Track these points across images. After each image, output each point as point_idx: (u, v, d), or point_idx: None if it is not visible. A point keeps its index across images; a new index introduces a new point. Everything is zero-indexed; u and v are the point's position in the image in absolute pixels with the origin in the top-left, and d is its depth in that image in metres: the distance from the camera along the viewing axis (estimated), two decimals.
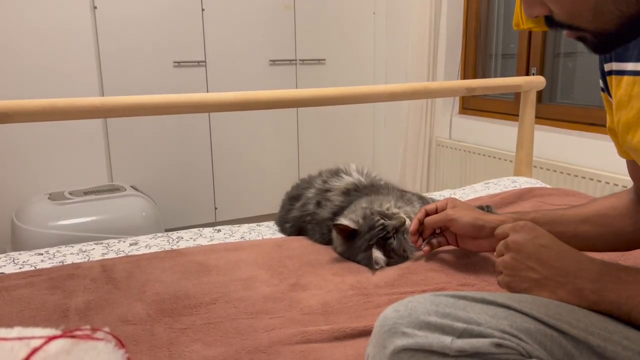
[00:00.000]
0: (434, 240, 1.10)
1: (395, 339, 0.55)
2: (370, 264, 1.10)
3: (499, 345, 0.54)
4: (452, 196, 1.72)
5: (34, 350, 0.44)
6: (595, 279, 0.64)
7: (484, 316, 0.57)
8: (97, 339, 0.48)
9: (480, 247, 1.03)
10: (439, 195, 1.73)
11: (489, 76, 3.01)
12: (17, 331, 0.47)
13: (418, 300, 0.59)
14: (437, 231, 1.10)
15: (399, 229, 1.12)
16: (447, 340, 0.54)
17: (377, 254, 1.09)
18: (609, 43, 0.60)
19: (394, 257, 1.11)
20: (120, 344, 0.50)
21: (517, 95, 2.70)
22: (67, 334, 0.47)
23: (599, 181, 2.13)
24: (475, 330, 0.55)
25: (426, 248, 1.09)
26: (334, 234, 1.19)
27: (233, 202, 3.18)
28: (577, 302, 0.64)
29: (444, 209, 1.05)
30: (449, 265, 1.11)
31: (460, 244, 1.06)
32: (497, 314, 0.58)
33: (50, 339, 0.46)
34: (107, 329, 0.50)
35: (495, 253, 0.78)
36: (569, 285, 0.65)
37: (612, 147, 2.34)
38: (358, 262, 1.13)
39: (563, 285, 0.66)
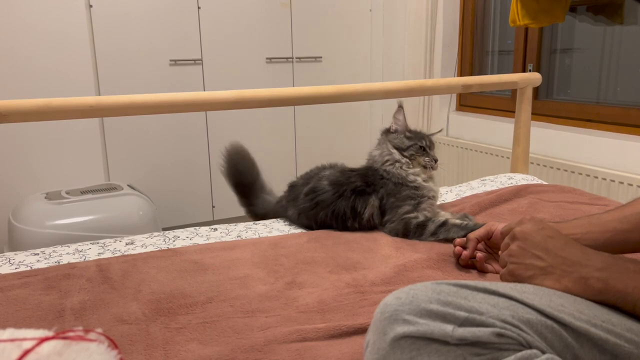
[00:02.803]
0: (480, 254, 1.06)
1: (396, 326, 0.55)
2: None
3: (500, 335, 0.54)
4: (449, 193, 1.72)
5: (26, 352, 0.44)
6: (602, 268, 0.65)
7: (486, 305, 0.57)
8: (90, 340, 0.48)
9: None
10: None
11: (485, 73, 3.01)
12: (9, 333, 0.47)
13: (420, 288, 0.59)
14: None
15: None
16: (448, 329, 0.54)
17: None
18: None
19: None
20: (114, 344, 0.50)
21: (514, 92, 2.70)
22: (59, 335, 0.47)
23: (596, 177, 2.13)
24: (477, 320, 0.55)
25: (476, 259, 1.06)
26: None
27: (231, 200, 3.16)
28: (582, 291, 0.64)
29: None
30: (445, 263, 1.11)
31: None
32: (498, 304, 0.58)
33: (42, 340, 0.45)
34: (100, 330, 0.50)
35: (500, 250, 0.77)
36: (575, 273, 0.65)
37: (609, 143, 2.32)
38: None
39: (568, 273, 0.66)
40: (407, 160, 1.39)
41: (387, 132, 1.47)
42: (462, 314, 0.55)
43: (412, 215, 1.29)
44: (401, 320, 0.55)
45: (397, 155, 1.39)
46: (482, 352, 0.53)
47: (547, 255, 0.68)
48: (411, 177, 1.37)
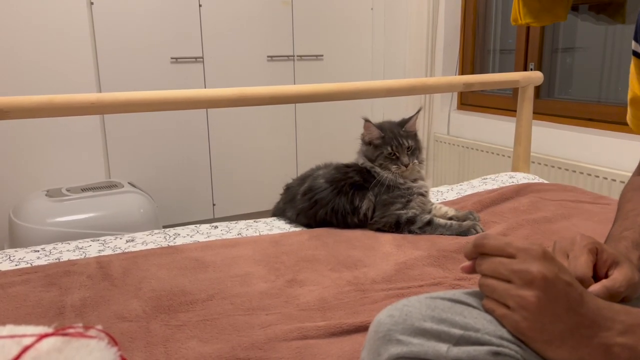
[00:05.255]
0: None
1: (390, 347, 0.53)
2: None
3: (496, 354, 0.52)
4: (450, 191, 1.71)
5: (26, 349, 0.43)
6: (625, 331, 0.53)
7: (482, 321, 0.55)
8: (90, 336, 0.48)
9: None
10: (436, 191, 1.73)
11: (486, 72, 3.00)
12: (8, 329, 0.46)
13: (413, 304, 0.57)
14: None
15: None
16: (442, 349, 0.52)
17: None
18: None
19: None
20: (114, 341, 0.50)
21: (515, 91, 2.69)
22: (59, 332, 0.47)
23: (597, 177, 2.13)
24: (473, 337, 0.53)
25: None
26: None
27: (231, 198, 3.18)
28: None
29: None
30: (446, 260, 1.11)
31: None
32: (495, 320, 0.56)
33: (42, 337, 0.45)
34: (100, 327, 0.50)
35: (480, 268, 0.59)
36: (595, 339, 0.53)
37: (611, 142, 2.32)
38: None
39: (586, 339, 0.53)
40: (380, 168, 1.38)
41: (363, 140, 1.45)
42: (457, 331, 0.53)
43: (402, 212, 1.33)
44: (395, 341, 0.53)
45: (371, 164, 1.39)
46: None
47: (567, 315, 0.53)
48: (401, 180, 1.38)
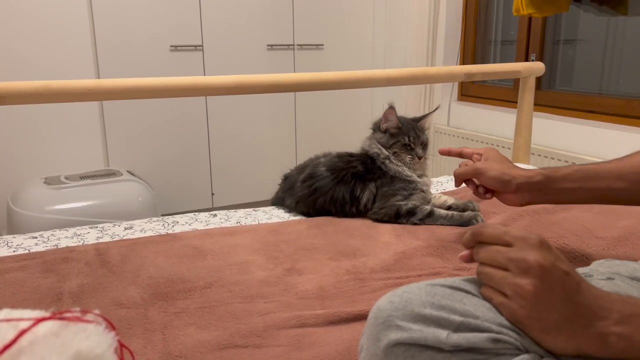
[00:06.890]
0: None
1: (389, 333, 0.54)
2: None
3: (495, 341, 0.53)
4: (450, 182, 1.71)
5: (22, 332, 0.43)
6: (621, 321, 0.53)
7: (482, 308, 0.55)
8: (87, 321, 0.47)
9: (507, 201, 1.00)
10: (436, 182, 1.72)
11: (488, 63, 2.99)
12: (4, 313, 0.46)
13: (413, 290, 0.57)
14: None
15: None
16: (442, 335, 0.52)
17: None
18: None
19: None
20: (111, 326, 0.49)
21: (516, 82, 2.68)
22: (56, 316, 0.46)
23: None
24: (472, 324, 0.53)
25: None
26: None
27: (230, 187, 3.17)
28: (598, 350, 0.53)
29: (478, 159, 1.06)
30: (445, 250, 1.10)
31: (493, 195, 1.03)
32: (494, 307, 0.56)
33: (39, 320, 0.45)
34: (97, 311, 0.50)
35: (477, 256, 0.60)
36: (591, 328, 0.53)
37: (611, 134, 2.31)
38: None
39: (583, 328, 0.53)
40: (393, 157, 1.41)
41: (377, 128, 1.47)
42: (457, 318, 0.54)
43: (402, 202, 1.33)
44: (394, 327, 0.54)
45: (385, 151, 1.41)
46: (478, 357, 0.52)
47: (563, 304, 0.53)
48: (407, 173, 1.39)
